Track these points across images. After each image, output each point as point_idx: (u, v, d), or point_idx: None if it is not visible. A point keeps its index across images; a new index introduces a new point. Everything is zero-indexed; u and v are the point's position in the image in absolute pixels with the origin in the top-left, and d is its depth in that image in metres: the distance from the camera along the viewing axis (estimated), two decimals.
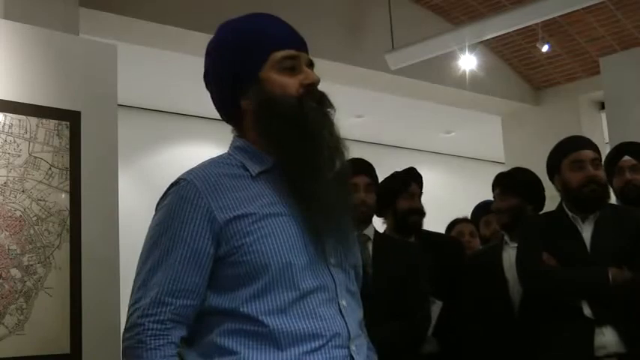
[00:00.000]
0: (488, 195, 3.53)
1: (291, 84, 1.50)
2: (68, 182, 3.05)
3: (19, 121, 2.97)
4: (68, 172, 3.06)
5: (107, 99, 3.30)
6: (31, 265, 2.89)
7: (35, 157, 2.98)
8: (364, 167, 2.88)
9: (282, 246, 1.41)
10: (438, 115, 7.88)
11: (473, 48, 5.90)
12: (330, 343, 1.41)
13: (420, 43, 5.53)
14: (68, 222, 3.02)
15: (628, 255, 2.64)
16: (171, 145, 7.22)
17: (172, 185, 1.49)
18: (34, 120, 3.01)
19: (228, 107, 1.56)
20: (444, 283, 3.07)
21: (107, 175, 3.22)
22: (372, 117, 7.84)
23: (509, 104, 7.18)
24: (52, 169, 3.02)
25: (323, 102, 1.52)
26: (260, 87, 1.50)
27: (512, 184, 3.22)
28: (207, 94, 1.61)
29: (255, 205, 1.44)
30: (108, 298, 3.10)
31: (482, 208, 4.17)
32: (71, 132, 3.10)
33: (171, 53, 5.45)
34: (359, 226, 2.72)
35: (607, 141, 5.48)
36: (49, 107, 3.07)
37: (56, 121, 3.07)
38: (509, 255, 3.07)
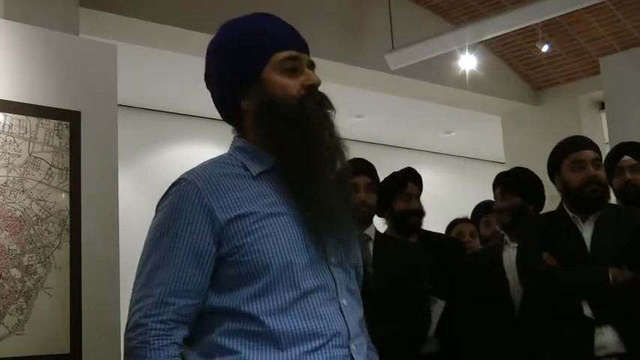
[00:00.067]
0: (489, 195, 3.53)
1: (292, 85, 1.50)
2: (68, 182, 3.05)
3: (19, 121, 2.97)
4: (68, 172, 3.05)
5: (107, 99, 3.30)
6: (31, 265, 2.89)
7: (35, 157, 2.98)
8: (365, 167, 2.88)
9: (283, 246, 1.41)
10: (438, 115, 7.87)
11: (473, 48, 5.90)
12: (330, 343, 1.41)
13: (420, 43, 5.52)
14: (68, 222, 3.02)
15: (628, 255, 2.65)
16: (171, 145, 7.22)
17: (173, 185, 1.48)
18: (34, 120, 3.00)
19: (228, 107, 1.56)
20: (444, 283, 3.07)
21: (107, 175, 3.22)
22: (372, 117, 7.83)
23: (509, 104, 7.18)
24: (52, 169, 3.02)
25: (324, 103, 1.51)
26: (261, 88, 1.49)
27: (513, 183, 3.22)
28: (207, 94, 1.61)
29: (256, 204, 1.44)
30: (108, 298, 3.09)
31: (482, 208, 4.17)
32: (71, 132, 3.10)
33: (171, 53, 5.45)
34: (360, 226, 2.71)
35: (607, 141, 5.47)
36: (49, 107, 3.06)
37: (56, 121, 3.06)
38: (510, 255, 3.07)
